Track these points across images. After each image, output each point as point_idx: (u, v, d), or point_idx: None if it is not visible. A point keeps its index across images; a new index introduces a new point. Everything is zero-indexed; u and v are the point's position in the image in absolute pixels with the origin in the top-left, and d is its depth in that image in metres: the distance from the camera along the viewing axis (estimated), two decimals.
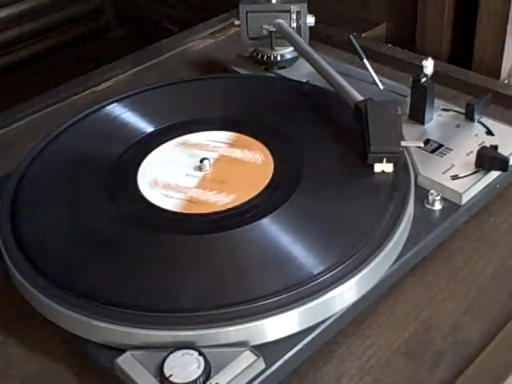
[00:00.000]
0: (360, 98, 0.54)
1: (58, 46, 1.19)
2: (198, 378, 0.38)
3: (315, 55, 0.61)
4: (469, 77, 0.69)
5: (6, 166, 0.58)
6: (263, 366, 0.39)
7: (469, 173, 0.52)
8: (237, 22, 0.69)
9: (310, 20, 0.67)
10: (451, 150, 0.55)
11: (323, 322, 0.42)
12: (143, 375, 0.39)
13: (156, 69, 0.79)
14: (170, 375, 0.38)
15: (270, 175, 0.51)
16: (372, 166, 0.49)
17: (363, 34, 0.82)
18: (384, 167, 0.49)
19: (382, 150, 0.49)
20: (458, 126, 0.58)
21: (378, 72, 0.65)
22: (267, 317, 0.40)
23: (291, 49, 0.68)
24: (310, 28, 0.68)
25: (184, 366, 0.38)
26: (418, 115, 0.58)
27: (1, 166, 0.60)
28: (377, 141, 0.49)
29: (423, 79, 0.56)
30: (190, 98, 0.62)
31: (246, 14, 0.67)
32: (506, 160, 0.51)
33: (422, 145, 0.54)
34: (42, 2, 1.17)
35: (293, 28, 0.66)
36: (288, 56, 0.69)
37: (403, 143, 0.49)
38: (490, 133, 0.56)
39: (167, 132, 0.57)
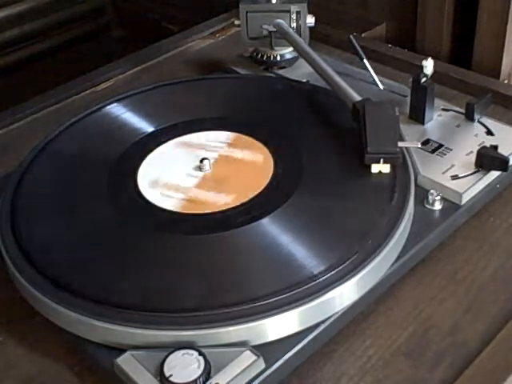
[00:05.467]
0: (358, 98, 0.54)
1: (58, 45, 1.19)
2: (198, 377, 0.38)
3: (314, 55, 0.61)
4: (469, 77, 0.69)
5: (6, 166, 0.58)
6: (263, 365, 0.39)
7: (469, 173, 0.52)
8: (237, 22, 0.69)
9: (310, 20, 0.67)
10: (451, 149, 0.55)
11: (323, 321, 0.42)
12: (143, 375, 0.39)
13: (156, 69, 0.79)
14: (170, 375, 0.38)
15: (270, 175, 0.51)
16: (369, 167, 0.49)
17: (363, 34, 0.82)
18: (381, 168, 0.49)
19: (379, 150, 0.49)
20: (457, 126, 0.58)
21: (378, 72, 0.65)
22: (267, 317, 0.40)
23: (291, 49, 0.68)
24: (310, 28, 0.68)
25: (184, 365, 0.38)
26: (418, 115, 0.58)
27: (1, 166, 0.60)
28: (374, 141, 0.49)
29: (423, 79, 0.56)
30: (190, 97, 0.62)
31: (246, 14, 0.67)
32: (505, 160, 0.51)
33: (419, 145, 0.54)
34: (41, 1, 1.17)
35: (292, 28, 0.66)
36: (288, 56, 0.69)
37: (400, 144, 0.49)
38: (489, 133, 0.56)
39: (167, 132, 0.57)
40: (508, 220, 0.53)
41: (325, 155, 0.53)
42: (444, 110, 0.60)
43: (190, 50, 0.83)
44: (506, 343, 0.43)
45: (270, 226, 0.46)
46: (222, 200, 0.49)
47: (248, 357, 0.39)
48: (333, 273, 0.43)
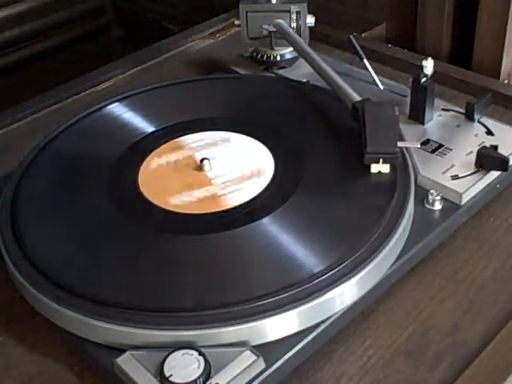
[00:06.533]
0: (358, 98, 0.54)
1: (57, 45, 1.19)
2: (198, 377, 0.38)
3: (314, 55, 0.61)
4: (469, 77, 0.69)
5: (6, 166, 0.58)
6: (263, 365, 0.39)
7: (469, 173, 0.52)
8: (237, 22, 0.69)
9: (310, 20, 0.67)
10: (451, 149, 0.55)
11: (323, 321, 0.42)
12: (143, 375, 0.39)
13: (156, 69, 0.79)
14: (170, 375, 0.38)
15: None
16: (369, 167, 0.49)
17: (363, 34, 0.82)
18: (381, 168, 0.49)
19: (378, 150, 0.49)
20: (457, 126, 0.58)
21: (378, 72, 0.65)
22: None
23: (291, 49, 0.68)
24: (310, 28, 0.68)
25: (184, 365, 0.38)
26: (418, 115, 0.58)
27: (1, 166, 0.60)
28: (373, 141, 0.49)
29: (423, 79, 0.56)
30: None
31: (246, 13, 0.67)
32: (505, 160, 0.51)
33: (419, 145, 0.54)
34: (42, 1, 1.17)
35: (292, 28, 0.66)
36: (288, 56, 0.69)
37: (400, 144, 0.49)
38: (489, 133, 0.56)
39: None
40: (508, 220, 0.53)
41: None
42: (444, 110, 0.60)
43: (189, 50, 0.83)
44: (506, 343, 0.43)
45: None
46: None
47: (248, 357, 0.39)
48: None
